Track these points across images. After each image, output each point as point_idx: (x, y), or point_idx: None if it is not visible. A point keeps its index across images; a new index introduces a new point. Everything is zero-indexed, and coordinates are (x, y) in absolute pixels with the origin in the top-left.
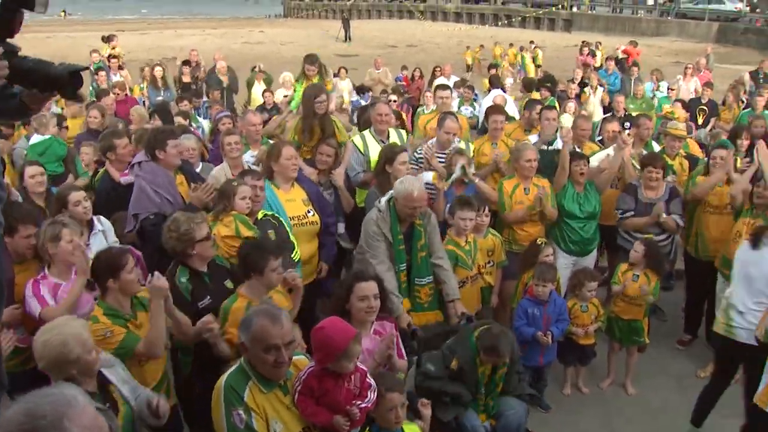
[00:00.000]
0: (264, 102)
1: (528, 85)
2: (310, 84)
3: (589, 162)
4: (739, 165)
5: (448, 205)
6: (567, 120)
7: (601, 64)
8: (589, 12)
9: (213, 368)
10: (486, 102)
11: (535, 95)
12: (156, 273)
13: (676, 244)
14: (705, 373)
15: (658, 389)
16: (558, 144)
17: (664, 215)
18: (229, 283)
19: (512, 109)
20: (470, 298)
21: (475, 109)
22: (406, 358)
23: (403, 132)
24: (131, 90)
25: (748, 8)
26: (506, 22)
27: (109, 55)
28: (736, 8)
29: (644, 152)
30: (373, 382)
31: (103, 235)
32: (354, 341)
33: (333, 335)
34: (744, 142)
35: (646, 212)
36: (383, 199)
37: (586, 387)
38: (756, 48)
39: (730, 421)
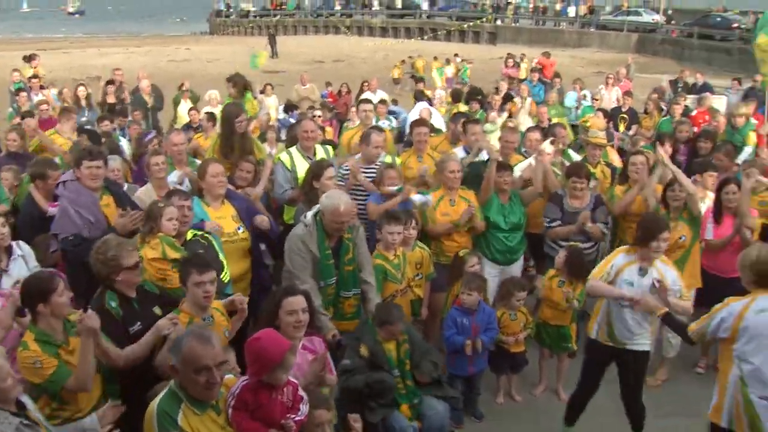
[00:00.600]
0: (190, 120)
1: (456, 97)
2: (230, 103)
3: (513, 172)
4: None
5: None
6: (491, 128)
7: (527, 76)
8: (513, 25)
9: (140, 395)
10: (412, 115)
11: (462, 107)
12: (89, 311)
13: (602, 252)
14: None
15: None
16: (484, 155)
17: (590, 224)
18: (157, 310)
19: (438, 122)
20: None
21: (392, 122)
22: (335, 373)
23: (330, 147)
24: (54, 110)
25: (664, 20)
26: (432, 35)
27: (31, 76)
28: (653, 20)
29: (563, 160)
30: (304, 394)
31: (24, 261)
32: (289, 352)
33: (269, 346)
34: (667, 149)
35: (572, 221)
36: (309, 214)
37: (518, 395)
38: (672, 58)
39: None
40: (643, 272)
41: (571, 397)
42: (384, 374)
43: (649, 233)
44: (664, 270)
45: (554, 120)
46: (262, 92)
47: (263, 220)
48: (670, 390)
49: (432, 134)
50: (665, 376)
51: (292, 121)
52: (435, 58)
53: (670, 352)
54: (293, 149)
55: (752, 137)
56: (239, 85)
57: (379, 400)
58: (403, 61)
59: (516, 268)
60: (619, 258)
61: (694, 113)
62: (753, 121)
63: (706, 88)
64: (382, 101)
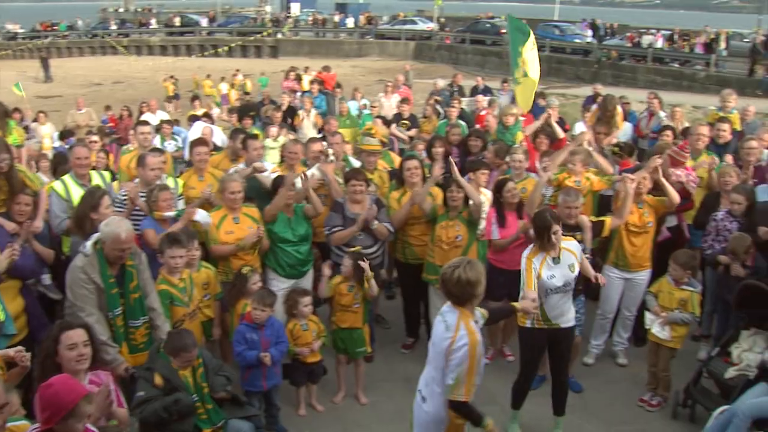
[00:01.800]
0: None
1: (239, 114)
2: None
3: (295, 185)
4: (436, 172)
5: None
6: (272, 145)
7: (310, 88)
8: (294, 38)
9: None
10: (192, 134)
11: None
12: None
13: (387, 251)
14: None
15: (390, 395)
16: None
17: (375, 223)
18: None
19: (221, 139)
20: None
21: (178, 142)
22: (126, 406)
23: (107, 173)
24: None
25: (438, 27)
26: (213, 52)
27: None
28: (428, 28)
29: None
30: None
31: None
32: (84, 400)
33: (61, 392)
34: (438, 150)
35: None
36: (88, 244)
37: (320, 404)
38: (448, 63)
39: None
40: (556, 260)
41: (515, 384)
42: (178, 393)
43: (542, 233)
44: (569, 245)
45: (347, 130)
46: (35, 120)
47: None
48: None
49: (214, 152)
50: None
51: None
52: (208, 76)
53: None
54: (67, 177)
55: (521, 136)
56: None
57: (180, 425)
58: (171, 77)
59: (306, 281)
60: (534, 262)
61: (483, 113)
62: (522, 120)
63: (487, 90)
64: (166, 121)
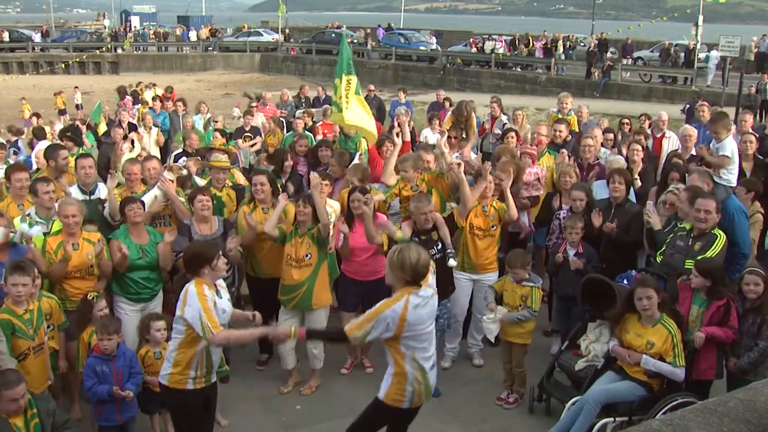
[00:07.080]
0: None
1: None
2: None
3: (144, 206)
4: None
5: None
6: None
7: (152, 105)
8: (135, 52)
9: None
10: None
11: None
12: None
13: (239, 270)
14: (287, 389)
15: (248, 414)
16: (100, 192)
17: (233, 250)
18: None
19: None
20: (38, 369)
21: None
22: None
23: None
24: None
25: (283, 38)
26: (49, 69)
27: None
28: (273, 39)
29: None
30: None
31: None
32: None
33: None
34: (289, 164)
35: None
36: None
37: None
38: (295, 74)
39: None
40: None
41: None
42: None
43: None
44: None
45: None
46: None
47: None
48: (324, 395)
49: None
50: (318, 382)
51: None
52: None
53: (317, 364)
54: None
55: (363, 144)
56: None
57: None
58: (60, 92)
59: (156, 303)
60: None
61: (319, 123)
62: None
63: (329, 101)
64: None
